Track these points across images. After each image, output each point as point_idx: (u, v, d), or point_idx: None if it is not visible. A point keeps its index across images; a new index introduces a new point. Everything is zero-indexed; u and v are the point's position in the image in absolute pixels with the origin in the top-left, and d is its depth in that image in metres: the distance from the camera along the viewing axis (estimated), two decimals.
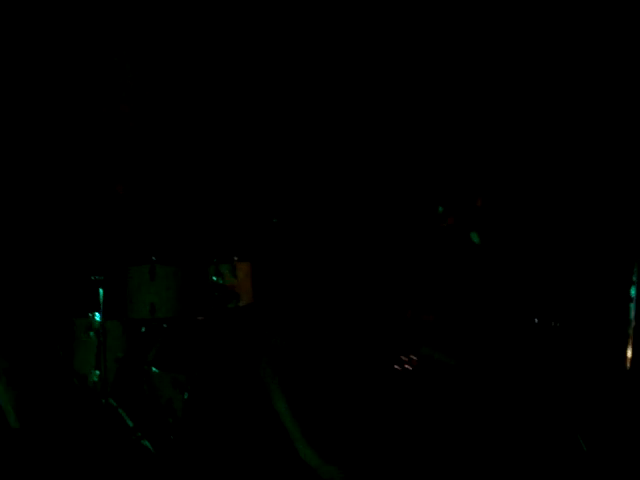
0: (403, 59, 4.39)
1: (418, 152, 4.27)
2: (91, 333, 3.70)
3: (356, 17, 4.40)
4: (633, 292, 3.09)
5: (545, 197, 3.98)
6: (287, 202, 4.22)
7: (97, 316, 3.66)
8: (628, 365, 3.12)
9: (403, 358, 3.51)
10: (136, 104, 4.39)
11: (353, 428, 3.27)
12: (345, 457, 3.15)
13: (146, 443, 3.37)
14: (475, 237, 3.57)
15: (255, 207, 4.14)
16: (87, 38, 4.33)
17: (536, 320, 3.40)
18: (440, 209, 3.60)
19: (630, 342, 3.11)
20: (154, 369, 3.59)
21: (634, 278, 3.09)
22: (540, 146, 4.11)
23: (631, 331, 3.12)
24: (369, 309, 3.82)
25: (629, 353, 3.11)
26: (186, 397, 3.44)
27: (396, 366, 3.50)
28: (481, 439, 3.23)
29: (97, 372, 3.64)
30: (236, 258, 3.76)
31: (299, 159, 4.34)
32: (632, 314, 3.10)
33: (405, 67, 4.40)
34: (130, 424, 3.45)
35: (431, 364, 3.48)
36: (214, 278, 3.71)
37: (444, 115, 4.30)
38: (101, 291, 3.64)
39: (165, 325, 3.70)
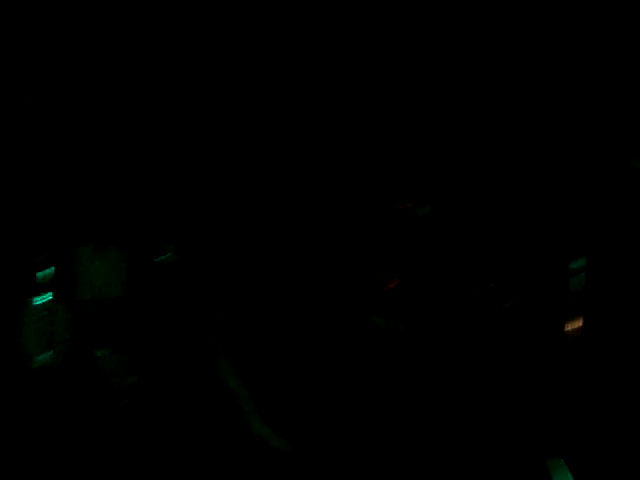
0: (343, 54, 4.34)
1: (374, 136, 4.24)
2: (36, 317, 3.63)
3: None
4: (583, 263, 3.10)
5: (493, 178, 4.01)
6: (238, 184, 4.14)
7: (41, 299, 3.58)
8: (579, 334, 3.14)
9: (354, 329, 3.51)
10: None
11: (303, 401, 3.29)
12: (296, 430, 3.17)
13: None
14: (420, 211, 3.58)
15: (203, 185, 4.05)
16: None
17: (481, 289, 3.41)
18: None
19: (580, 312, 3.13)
20: (100, 352, 3.53)
21: (583, 251, 3.10)
22: (488, 129, 4.14)
23: (580, 301, 3.13)
24: (322, 280, 3.80)
25: (580, 323, 3.13)
26: (135, 380, 3.39)
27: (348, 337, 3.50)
28: (428, 410, 3.27)
29: (45, 356, 3.58)
30: (182, 237, 3.68)
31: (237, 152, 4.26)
32: (581, 285, 3.12)
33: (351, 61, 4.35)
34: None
35: (381, 332, 3.49)
36: (161, 257, 3.64)
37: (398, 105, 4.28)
38: (45, 273, 3.57)
39: (112, 305, 3.63)
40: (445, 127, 4.35)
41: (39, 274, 3.64)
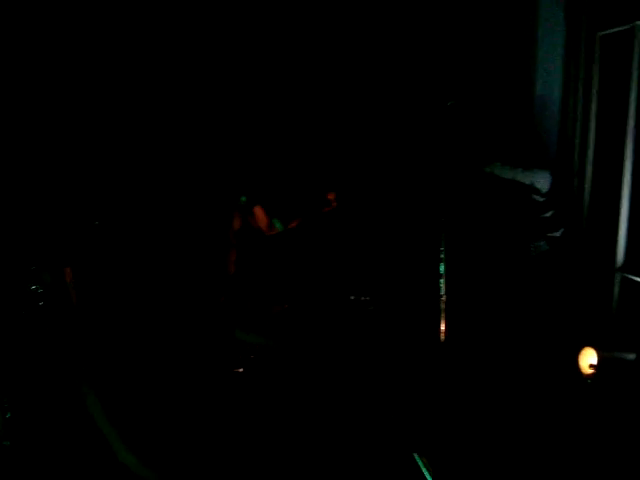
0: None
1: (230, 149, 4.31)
2: None
3: None
4: (442, 269, 3.31)
5: (361, 190, 4.18)
6: (108, 204, 4.09)
7: None
8: (442, 337, 3.34)
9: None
10: None
11: (170, 428, 3.28)
12: (162, 458, 3.16)
13: None
14: (277, 223, 3.67)
15: (75, 210, 3.97)
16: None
17: (352, 297, 3.56)
18: (243, 199, 3.67)
19: (443, 316, 3.33)
20: None
21: (442, 256, 3.30)
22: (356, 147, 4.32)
23: (443, 305, 3.34)
24: (189, 303, 3.82)
25: (442, 326, 3.33)
26: (8, 416, 3.27)
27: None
28: (306, 422, 3.35)
29: None
30: (56, 264, 3.60)
31: (112, 160, 4.21)
32: (442, 289, 3.32)
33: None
34: None
35: (248, 347, 3.54)
36: (33, 287, 3.54)
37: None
38: None
39: None
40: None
41: None
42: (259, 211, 3.73)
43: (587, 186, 4.21)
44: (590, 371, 3.02)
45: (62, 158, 4.15)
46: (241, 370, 3.54)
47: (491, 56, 4.41)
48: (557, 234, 3.99)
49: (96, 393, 3.17)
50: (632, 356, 2.96)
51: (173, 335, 3.61)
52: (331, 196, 3.84)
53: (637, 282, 3.73)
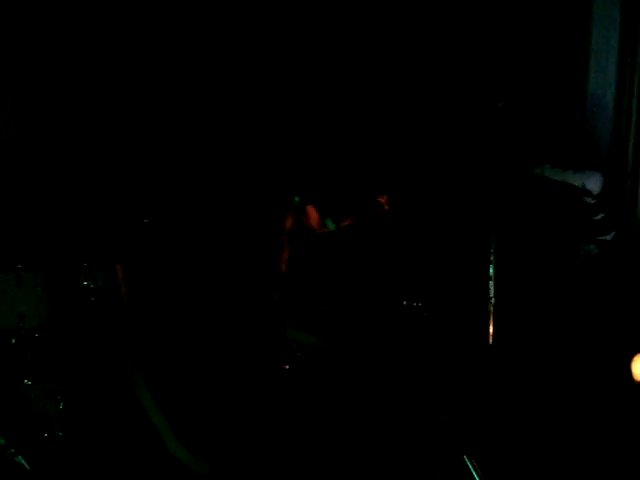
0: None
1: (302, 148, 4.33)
2: None
3: None
4: (491, 271, 3.28)
5: (413, 192, 4.16)
6: (157, 202, 4.15)
7: None
8: (490, 340, 3.32)
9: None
10: None
11: (223, 423, 3.33)
12: (214, 452, 3.21)
13: (20, 460, 3.26)
14: (329, 222, 3.68)
15: (125, 208, 4.05)
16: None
17: (404, 303, 3.55)
18: (297, 199, 3.69)
19: (491, 318, 3.30)
20: (26, 381, 3.47)
21: (492, 258, 3.28)
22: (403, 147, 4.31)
23: (491, 308, 3.31)
24: (239, 305, 3.87)
25: (491, 329, 3.31)
26: (61, 407, 3.36)
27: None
28: (354, 424, 3.36)
29: None
30: (106, 260, 3.68)
31: (163, 159, 4.27)
32: (492, 292, 3.30)
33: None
34: (1, 441, 3.33)
35: (299, 347, 3.56)
36: (85, 283, 3.62)
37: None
38: None
39: (37, 335, 3.58)
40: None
41: None
42: (311, 210, 3.75)
43: None
44: None
45: (113, 157, 4.23)
46: (288, 367, 3.57)
47: (542, 56, 4.34)
48: (608, 237, 3.92)
49: (147, 384, 3.23)
50: None
51: (224, 331, 3.66)
52: (383, 199, 3.84)
53: None
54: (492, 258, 3.27)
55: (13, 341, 3.59)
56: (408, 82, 4.44)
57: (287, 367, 3.55)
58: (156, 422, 3.19)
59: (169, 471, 3.13)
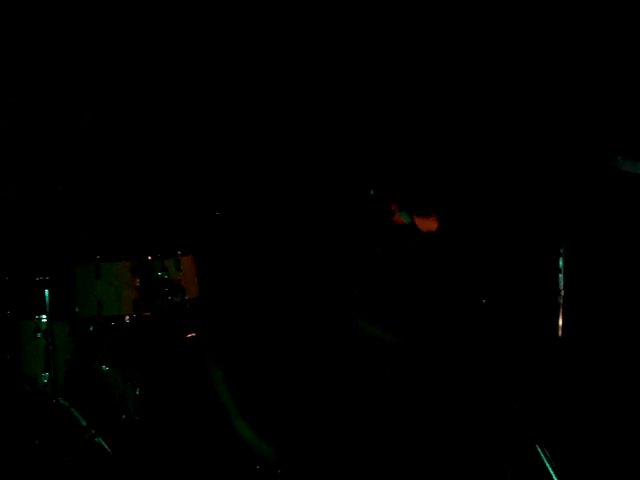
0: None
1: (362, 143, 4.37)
2: (39, 335, 3.70)
3: None
4: (561, 263, 3.26)
5: (480, 186, 4.14)
6: (229, 194, 4.26)
7: (44, 318, 3.66)
8: (560, 333, 3.29)
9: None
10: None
11: (291, 406, 3.37)
12: (280, 434, 3.25)
13: (100, 441, 3.40)
14: (404, 215, 3.70)
15: (197, 200, 4.17)
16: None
17: (484, 301, 3.55)
18: (371, 192, 3.72)
19: (561, 311, 3.28)
20: (104, 367, 3.62)
21: (561, 250, 3.26)
22: (474, 142, 4.29)
23: (561, 300, 3.28)
24: (313, 296, 3.91)
25: (560, 321, 3.28)
26: (138, 392, 3.48)
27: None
28: (427, 419, 3.37)
29: (46, 374, 3.64)
30: (179, 252, 3.79)
31: (238, 152, 4.37)
32: (561, 284, 3.27)
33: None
34: (83, 423, 3.47)
35: (373, 342, 3.59)
36: (159, 273, 3.75)
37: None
38: (47, 292, 3.63)
39: (113, 323, 3.72)
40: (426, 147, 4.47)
41: (40, 294, 3.69)
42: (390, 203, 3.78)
43: None
44: None
45: (188, 151, 4.36)
46: (361, 360, 3.61)
47: (615, 44, 4.27)
48: None
49: (220, 367, 3.30)
50: None
51: (302, 323, 3.72)
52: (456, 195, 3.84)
53: None
54: (562, 250, 3.25)
55: (91, 329, 3.76)
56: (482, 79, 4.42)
57: (361, 360, 3.59)
58: (225, 401, 3.26)
59: (235, 453, 3.20)
